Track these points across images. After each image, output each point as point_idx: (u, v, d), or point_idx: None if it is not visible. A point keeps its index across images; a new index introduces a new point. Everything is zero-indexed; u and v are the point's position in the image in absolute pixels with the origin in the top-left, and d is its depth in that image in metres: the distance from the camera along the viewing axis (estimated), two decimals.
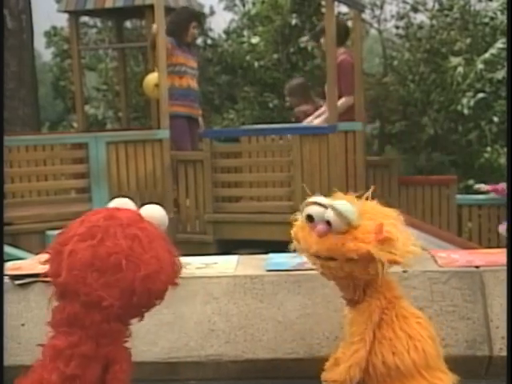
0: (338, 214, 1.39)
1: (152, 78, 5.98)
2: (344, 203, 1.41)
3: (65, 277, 1.27)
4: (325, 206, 1.42)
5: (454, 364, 1.54)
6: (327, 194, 1.48)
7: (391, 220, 1.44)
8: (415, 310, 1.54)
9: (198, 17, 6.59)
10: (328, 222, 1.40)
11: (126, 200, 1.40)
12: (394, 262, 1.40)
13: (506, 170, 6.89)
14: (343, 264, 1.42)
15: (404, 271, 1.78)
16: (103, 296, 1.25)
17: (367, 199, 1.49)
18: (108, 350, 1.33)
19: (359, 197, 1.49)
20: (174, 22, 6.28)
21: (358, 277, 1.46)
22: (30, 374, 1.35)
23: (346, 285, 1.50)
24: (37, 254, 2.20)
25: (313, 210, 1.44)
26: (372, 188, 1.51)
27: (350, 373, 1.45)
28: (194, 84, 6.31)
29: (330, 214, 1.40)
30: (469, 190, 7.38)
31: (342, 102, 5.89)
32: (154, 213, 1.39)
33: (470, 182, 7.87)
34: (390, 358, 1.46)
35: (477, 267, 1.82)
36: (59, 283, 1.29)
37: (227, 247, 5.13)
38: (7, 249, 4.27)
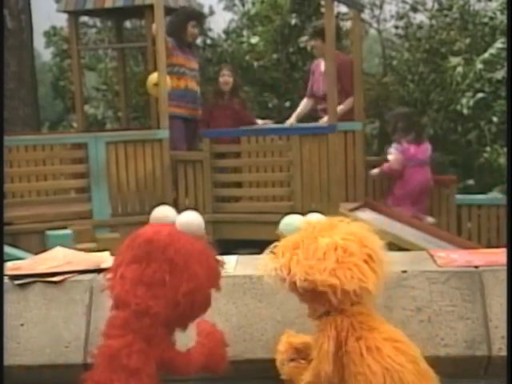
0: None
1: (154, 77, 5.97)
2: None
3: (118, 291, 1.49)
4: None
5: (453, 364, 1.54)
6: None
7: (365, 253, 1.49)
8: (394, 333, 1.52)
9: (196, 16, 6.54)
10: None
11: (166, 209, 1.54)
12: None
13: (505, 170, 6.88)
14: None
15: (403, 271, 1.78)
16: (151, 305, 1.44)
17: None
18: (160, 350, 1.48)
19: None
20: (173, 22, 6.27)
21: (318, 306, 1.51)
22: (90, 379, 1.45)
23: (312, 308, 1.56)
24: (36, 253, 2.20)
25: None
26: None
27: None
28: (192, 85, 6.28)
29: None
30: (468, 190, 7.37)
31: (342, 106, 5.87)
32: (188, 222, 1.51)
33: (470, 181, 7.88)
34: None
35: (476, 267, 1.82)
36: (114, 296, 1.50)
37: (227, 247, 5.11)
38: (7, 249, 4.25)
